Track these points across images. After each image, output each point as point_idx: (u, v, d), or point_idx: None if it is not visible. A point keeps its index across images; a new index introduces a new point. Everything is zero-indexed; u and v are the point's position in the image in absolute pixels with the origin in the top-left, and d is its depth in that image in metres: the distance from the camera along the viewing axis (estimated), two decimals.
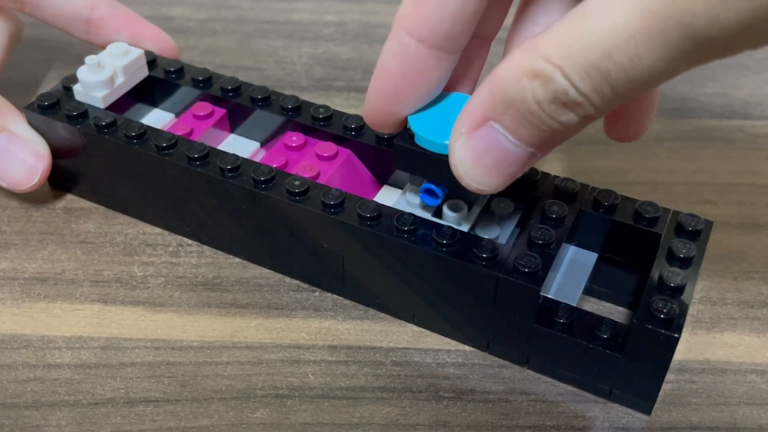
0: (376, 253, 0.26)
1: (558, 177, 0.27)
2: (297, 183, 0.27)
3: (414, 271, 0.26)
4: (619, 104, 0.19)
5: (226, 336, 0.27)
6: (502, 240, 0.27)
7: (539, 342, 0.25)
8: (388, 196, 0.30)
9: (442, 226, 0.25)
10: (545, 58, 0.19)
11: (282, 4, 0.45)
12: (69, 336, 0.27)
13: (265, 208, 0.27)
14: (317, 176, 0.29)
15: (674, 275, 0.24)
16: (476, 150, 0.21)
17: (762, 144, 0.36)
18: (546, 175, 0.28)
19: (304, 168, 0.29)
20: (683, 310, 0.23)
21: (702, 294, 0.29)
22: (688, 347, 0.27)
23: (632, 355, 0.23)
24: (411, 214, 0.26)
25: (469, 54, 0.25)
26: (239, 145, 0.32)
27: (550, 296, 0.26)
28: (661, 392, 0.25)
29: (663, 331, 0.22)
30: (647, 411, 0.25)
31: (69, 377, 0.26)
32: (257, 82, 0.39)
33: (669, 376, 0.26)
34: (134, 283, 0.29)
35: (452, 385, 0.26)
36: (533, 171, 0.27)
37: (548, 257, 0.24)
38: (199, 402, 0.25)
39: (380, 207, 0.26)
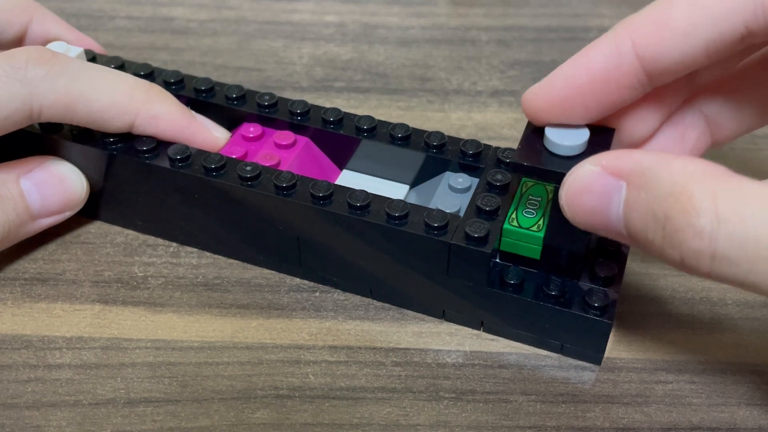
0: (331, 232, 0.27)
1: (499, 148, 0.29)
2: (248, 168, 0.27)
3: (368, 247, 0.27)
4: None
5: (226, 336, 0.27)
6: (462, 212, 0.28)
7: (492, 304, 0.26)
8: (348, 180, 0.30)
9: (393, 200, 0.26)
10: (715, 212, 0.18)
11: (282, 5, 0.45)
12: (69, 336, 0.27)
13: (217, 194, 0.28)
14: (278, 164, 0.29)
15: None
16: (593, 185, 0.21)
17: (762, 144, 0.36)
18: (488, 146, 0.29)
19: (265, 157, 0.29)
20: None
21: (702, 294, 0.29)
22: (688, 347, 0.27)
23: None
24: (363, 191, 0.26)
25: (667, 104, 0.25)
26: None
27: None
28: (661, 392, 0.26)
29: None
30: (597, 362, 0.26)
31: (69, 377, 0.26)
32: (258, 82, 0.39)
33: (669, 377, 0.26)
34: (135, 283, 0.29)
35: (452, 385, 0.26)
36: (476, 144, 0.29)
37: (496, 222, 0.26)
38: (199, 402, 0.25)
39: (332, 186, 0.27)
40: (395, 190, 0.29)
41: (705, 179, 0.19)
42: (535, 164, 0.23)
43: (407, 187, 0.30)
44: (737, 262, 0.18)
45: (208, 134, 0.29)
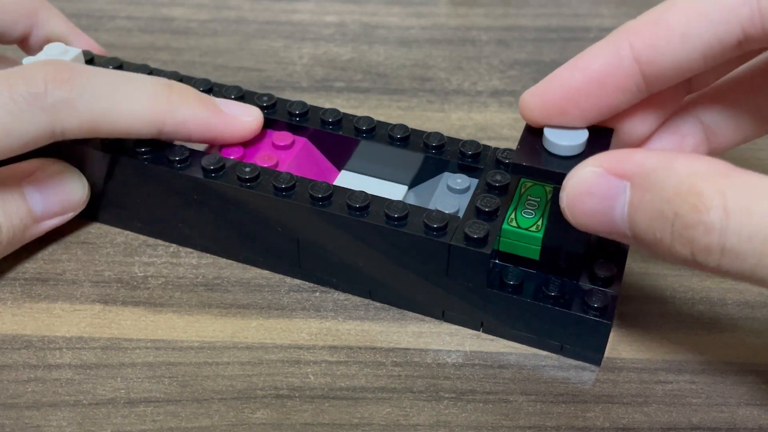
0: (330, 233, 0.27)
1: (498, 148, 0.29)
2: (247, 170, 0.27)
3: (368, 248, 0.27)
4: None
5: (226, 336, 0.27)
6: (461, 213, 0.28)
7: (492, 305, 0.26)
8: (347, 181, 0.30)
9: (392, 201, 0.26)
10: (724, 208, 0.18)
11: (282, 5, 0.45)
12: (69, 336, 0.27)
13: (216, 196, 0.28)
14: (276, 165, 0.29)
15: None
16: (595, 187, 0.21)
17: (762, 144, 0.36)
18: (487, 147, 0.29)
19: (263, 158, 0.29)
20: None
21: (702, 294, 0.29)
22: (688, 347, 0.27)
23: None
24: (362, 192, 0.26)
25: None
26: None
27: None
28: (661, 392, 0.26)
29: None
30: (597, 363, 0.26)
31: (69, 377, 0.26)
32: (258, 82, 0.39)
33: (669, 377, 0.26)
34: (135, 283, 0.29)
35: (452, 385, 0.26)
36: (476, 144, 0.29)
37: (495, 223, 0.26)
38: (199, 402, 0.25)
39: (331, 187, 0.27)
40: (394, 191, 0.29)
41: (711, 176, 0.19)
42: (534, 164, 0.23)
43: (406, 187, 0.30)
44: (745, 255, 0.18)
45: (236, 123, 0.29)
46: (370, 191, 0.27)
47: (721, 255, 0.18)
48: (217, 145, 0.30)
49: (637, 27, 0.22)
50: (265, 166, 0.29)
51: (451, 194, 0.28)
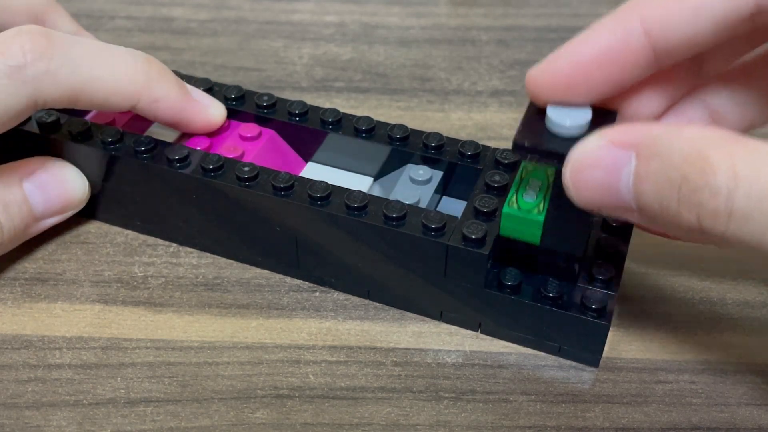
0: (328, 233, 0.27)
1: (497, 149, 0.29)
2: (246, 169, 0.27)
3: (366, 248, 0.27)
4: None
5: (226, 336, 0.27)
6: (423, 204, 0.28)
7: (489, 306, 0.26)
8: (313, 172, 0.31)
9: (391, 201, 0.26)
10: (733, 170, 0.18)
11: (282, 5, 0.45)
12: (69, 336, 0.27)
13: (215, 195, 0.28)
14: (242, 156, 0.29)
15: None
16: (600, 159, 0.20)
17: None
18: (486, 147, 0.29)
19: (228, 149, 0.29)
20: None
21: (702, 294, 0.29)
22: (688, 347, 0.27)
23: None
24: (360, 192, 0.27)
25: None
26: (161, 132, 0.32)
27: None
28: (661, 392, 0.26)
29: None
30: (595, 364, 0.26)
31: (69, 377, 0.26)
32: (257, 82, 0.39)
33: (669, 377, 0.26)
34: (135, 283, 0.29)
35: (452, 385, 0.26)
36: (474, 145, 0.29)
37: (494, 224, 0.26)
38: (199, 402, 0.25)
39: (330, 187, 0.27)
40: (359, 182, 0.30)
41: (719, 142, 0.18)
42: (536, 145, 0.22)
43: (371, 179, 0.30)
44: (754, 219, 0.18)
45: (205, 114, 0.29)
46: (335, 182, 0.27)
47: (729, 219, 0.18)
48: (183, 135, 0.30)
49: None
50: (230, 156, 0.29)
51: (412, 185, 0.29)
